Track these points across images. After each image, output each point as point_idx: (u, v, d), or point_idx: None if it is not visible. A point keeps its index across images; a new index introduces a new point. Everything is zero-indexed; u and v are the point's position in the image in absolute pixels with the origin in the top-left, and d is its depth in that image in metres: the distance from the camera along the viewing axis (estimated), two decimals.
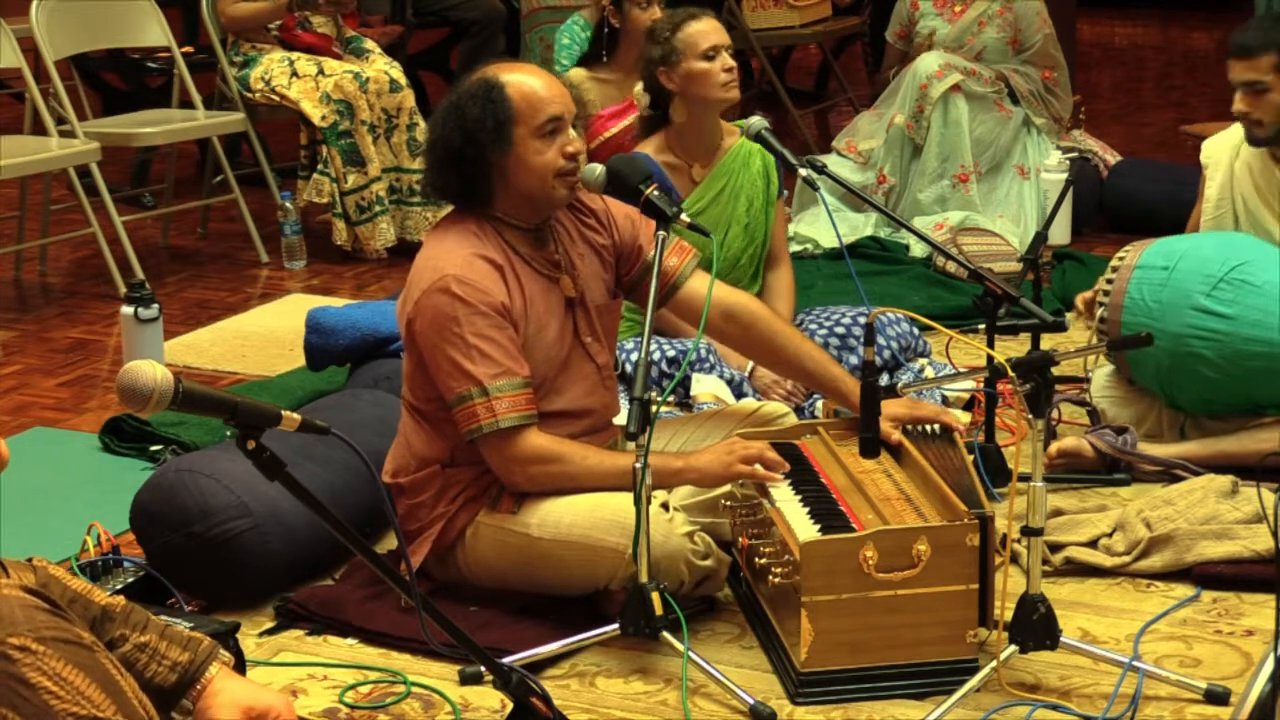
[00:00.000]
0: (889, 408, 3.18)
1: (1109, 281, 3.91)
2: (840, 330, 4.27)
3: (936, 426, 3.33)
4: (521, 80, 3.18)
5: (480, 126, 3.14)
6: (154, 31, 6.14)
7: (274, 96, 6.04)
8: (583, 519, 3.11)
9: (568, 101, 3.20)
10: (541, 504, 3.16)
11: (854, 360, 4.15)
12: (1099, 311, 3.91)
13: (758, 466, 3.10)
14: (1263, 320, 3.70)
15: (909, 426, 3.30)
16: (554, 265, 3.27)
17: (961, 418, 4.16)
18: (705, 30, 4.19)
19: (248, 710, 2.13)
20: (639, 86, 4.31)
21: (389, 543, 3.57)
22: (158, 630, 2.14)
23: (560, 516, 3.14)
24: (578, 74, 5.19)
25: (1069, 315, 4.36)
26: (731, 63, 4.19)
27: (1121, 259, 3.93)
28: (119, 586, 3.21)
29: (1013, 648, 2.88)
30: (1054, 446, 3.82)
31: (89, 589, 2.14)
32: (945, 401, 4.25)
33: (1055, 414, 4.08)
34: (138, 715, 1.93)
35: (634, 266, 3.40)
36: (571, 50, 5.64)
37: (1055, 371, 2.88)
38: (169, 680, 2.11)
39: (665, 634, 2.97)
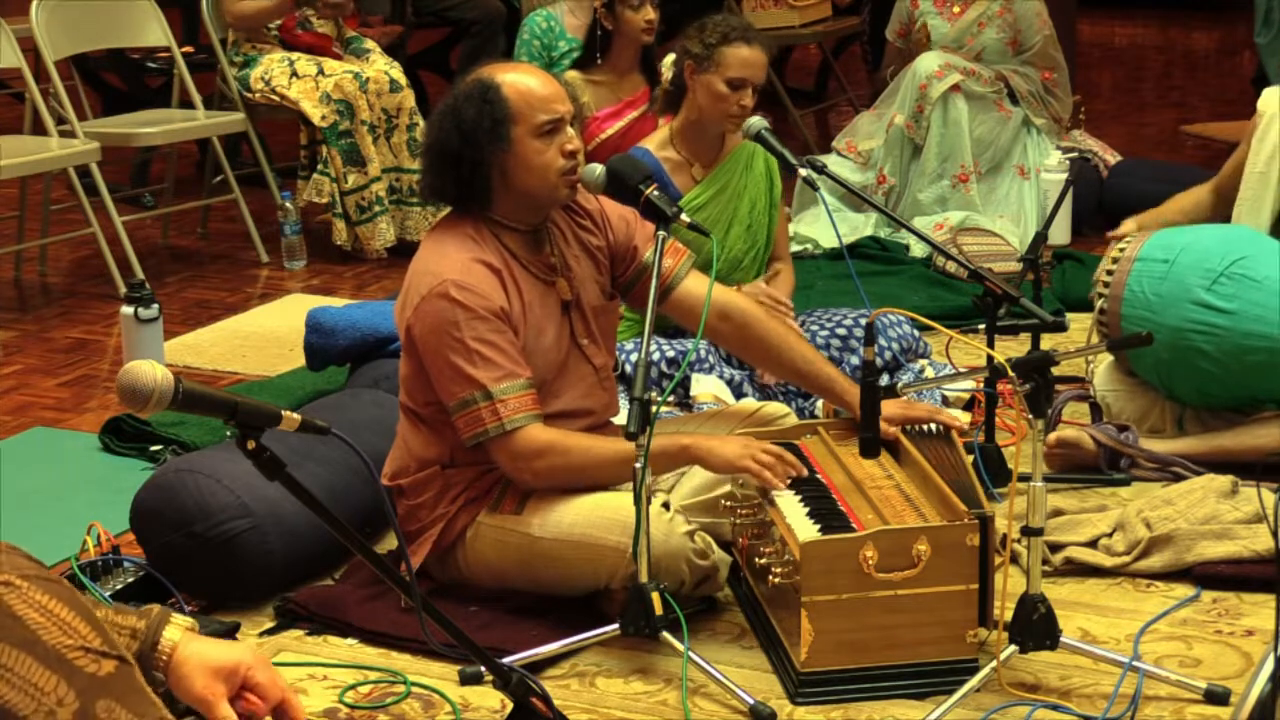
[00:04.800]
0: (883, 409, 3.17)
1: (1109, 273, 3.91)
2: (841, 332, 4.27)
3: (934, 425, 3.33)
4: (518, 79, 3.18)
5: (478, 127, 3.14)
6: (154, 31, 6.15)
7: (274, 96, 6.05)
8: (584, 518, 3.12)
9: (565, 100, 3.20)
10: (543, 504, 3.16)
11: (855, 361, 4.15)
12: (1099, 303, 3.91)
13: (768, 473, 3.09)
14: (1263, 316, 3.70)
15: (907, 426, 3.30)
16: (550, 268, 3.26)
17: (961, 418, 4.16)
18: (746, 60, 4.12)
19: (218, 669, 2.11)
20: (669, 57, 4.30)
21: (389, 543, 3.57)
22: (111, 608, 2.15)
23: (561, 516, 3.14)
24: (572, 76, 5.20)
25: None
26: (749, 102, 4.13)
27: (1122, 250, 3.93)
28: (119, 586, 3.21)
29: (1013, 648, 2.88)
30: (1053, 436, 3.83)
31: None
32: (945, 401, 4.25)
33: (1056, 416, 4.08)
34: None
35: (628, 268, 3.40)
36: (530, 45, 5.63)
37: (1055, 371, 2.88)
38: (130, 649, 2.10)
39: (665, 634, 2.97)
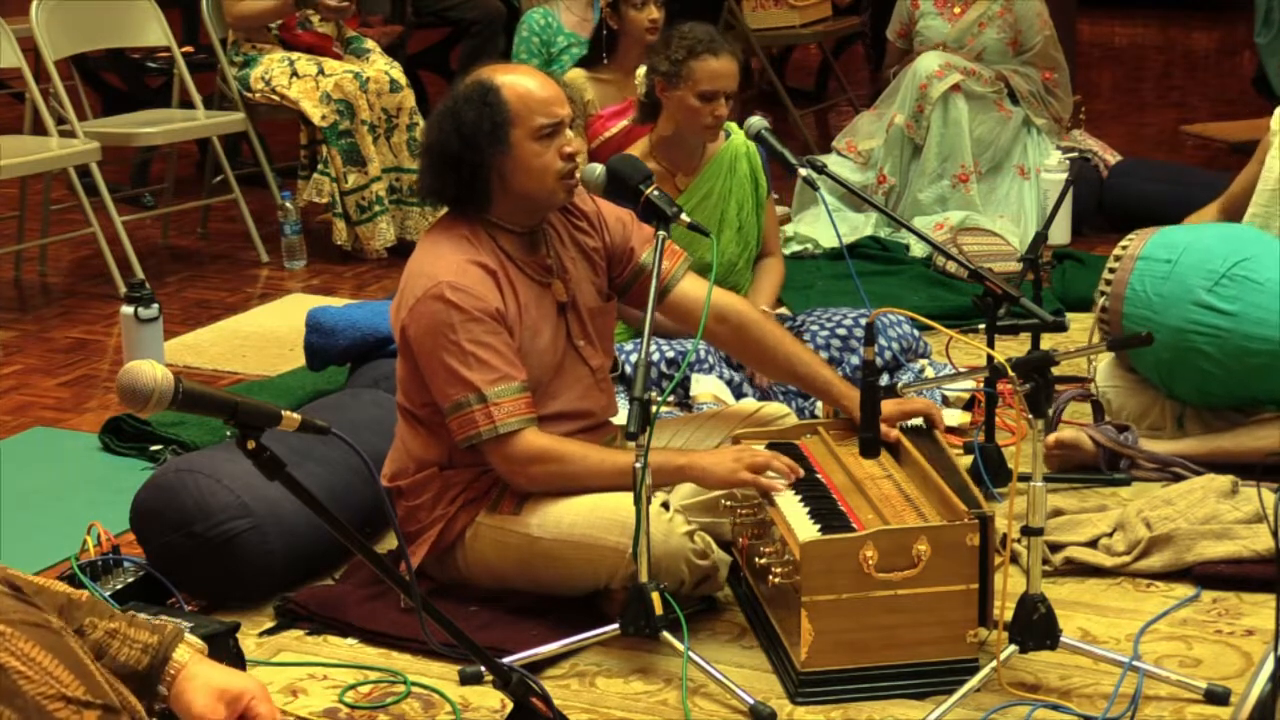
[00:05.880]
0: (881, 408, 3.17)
1: (1111, 271, 3.90)
2: (841, 332, 4.27)
3: (921, 422, 3.33)
4: (517, 81, 3.17)
5: (477, 130, 3.13)
6: (154, 31, 6.15)
7: (274, 96, 6.04)
8: (583, 518, 3.12)
9: (564, 103, 3.20)
10: (542, 504, 3.16)
11: (855, 361, 4.15)
12: (1100, 301, 3.91)
13: (766, 475, 3.09)
14: (1265, 318, 3.70)
15: (904, 425, 3.30)
16: (546, 270, 3.26)
17: (961, 418, 4.16)
18: (715, 72, 4.09)
19: (221, 693, 2.13)
20: (642, 69, 4.29)
21: (389, 543, 3.57)
22: (125, 618, 2.15)
23: (560, 516, 3.14)
24: (577, 74, 5.21)
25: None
26: (724, 111, 4.12)
27: (1125, 248, 3.92)
28: (119, 586, 3.21)
29: (1013, 648, 2.88)
30: (1052, 437, 3.82)
31: (50, 582, 2.15)
32: (945, 401, 4.25)
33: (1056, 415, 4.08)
34: (107, 695, 1.93)
35: (625, 269, 3.40)
36: (530, 42, 5.65)
37: (1055, 371, 2.88)
38: (141, 663, 2.11)
39: (665, 634, 2.97)
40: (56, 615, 2.07)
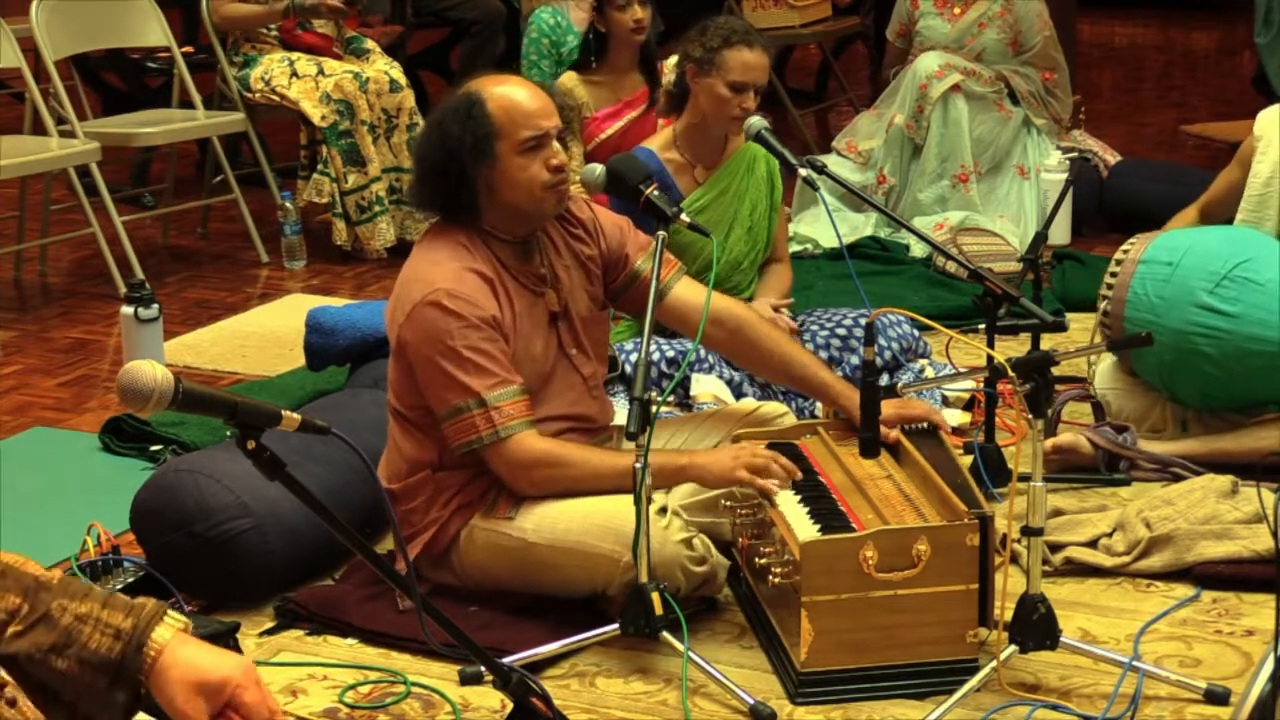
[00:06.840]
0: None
1: (1113, 275, 3.90)
2: (841, 332, 4.27)
3: (925, 424, 3.33)
4: (504, 94, 3.16)
5: (461, 144, 3.13)
6: (154, 31, 6.15)
7: (274, 96, 6.04)
8: (578, 525, 3.11)
9: (552, 115, 3.19)
10: (537, 508, 3.16)
11: (855, 361, 4.15)
12: (1102, 305, 3.91)
13: (768, 478, 3.09)
14: (1266, 319, 3.70)
15: (904, 426, 3.30)
16: (539, 280, 3.26)
17: (961, 418, 4.16)
18: (747, 64, 4.13)
19: (201, 686, 1.96)
20: (672, 59, 4.30)
21: (388, 543, 3.57)
22: (99, 599, 1.99)
23: (555, 521, 3.13)
24: (570, 77, 5.21)
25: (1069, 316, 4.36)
26: (752, 104, 4.14)
27: (1126, 252, 3.92)
28: (119, 587, 3.21)
29: (1013, 648, 2.88)
30: (1050, 442, 3.82)
31: (24, 561, 2.03)
32: (945, 401, 4.25)
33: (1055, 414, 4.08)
34: None
35: (620, 275, 3.40)
36: (540, 44, 5.65)
37: (1055, 371, 2.88)
38: (114, 650, 1.96)
39: (665, 634, 2.97)
40: (20, 598, 1.96)
